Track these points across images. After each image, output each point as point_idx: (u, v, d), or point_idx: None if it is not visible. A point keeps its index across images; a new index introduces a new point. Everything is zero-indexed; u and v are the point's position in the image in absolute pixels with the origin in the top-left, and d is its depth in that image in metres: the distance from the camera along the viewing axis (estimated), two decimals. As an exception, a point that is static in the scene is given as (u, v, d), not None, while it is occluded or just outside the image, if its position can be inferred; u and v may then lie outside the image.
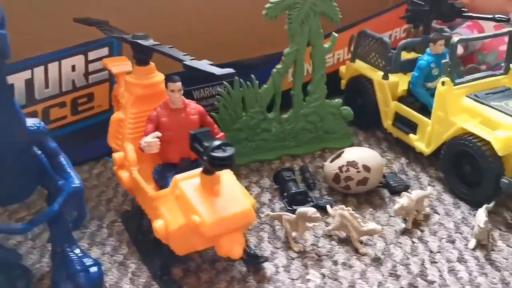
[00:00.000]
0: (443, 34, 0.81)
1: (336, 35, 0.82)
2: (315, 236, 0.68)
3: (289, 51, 0.79)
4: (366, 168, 0.72)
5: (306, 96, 0.84)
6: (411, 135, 0.83)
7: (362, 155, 0.73)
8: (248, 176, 0.81)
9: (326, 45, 0.81)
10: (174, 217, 0.56)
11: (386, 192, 0.76)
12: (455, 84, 0.75)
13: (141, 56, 0.64)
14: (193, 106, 0.64)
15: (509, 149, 0.68)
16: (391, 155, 0.86)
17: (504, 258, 0.64)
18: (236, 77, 0.81)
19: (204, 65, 0.55)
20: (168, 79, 0.62)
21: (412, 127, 0.83)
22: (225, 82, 0.79)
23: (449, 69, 0.74)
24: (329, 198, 0.74)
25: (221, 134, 0.66)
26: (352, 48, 0.94)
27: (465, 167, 0.73)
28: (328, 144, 0.87)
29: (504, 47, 0.99)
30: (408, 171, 0.82)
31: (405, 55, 0.94)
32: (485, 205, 0.68)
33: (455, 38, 0.73)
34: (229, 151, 0.52)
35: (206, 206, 0.54)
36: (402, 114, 0.85)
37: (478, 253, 0.65)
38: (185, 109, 0.63)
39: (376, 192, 0.76)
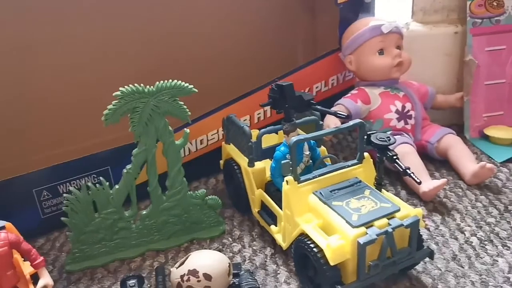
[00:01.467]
0: (296, 124, 0.80)
1: (188, 131, 0.80)
2: None
3: (137, 152, 0.77)
4: (207, 277, 0.70)
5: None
6: (272, 226, 0.81)
7: (204, 262, 0.71)
8: (101, 281, 0.78)
9: (178, 142, 0.80)
10: None
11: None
12: (300, 182, 0.75)
13: None
14: (1, 238, 0.62)
15: (342, 258, 0.66)
16: (258, 244, 0.84)
17: None
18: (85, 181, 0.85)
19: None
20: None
21: (274, 217, 0.82)
22: (71, 188, 0.78)
23: (290, 168, 0.73)
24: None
25: (41, 259, 0.65)
26: (224, 130, 0.94)
27: (310, 270, 0.72)
28: (197, 235, 0.86)
29: (390, 115, 1.00)
30: (269, 265, 0.80)
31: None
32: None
33: (292, 139, 0.72)
34: None
35: None
36: (265, 203, 0.85)
37: None
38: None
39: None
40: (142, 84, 0.74)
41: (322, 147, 0.88)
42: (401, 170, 0.71)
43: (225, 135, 0.94)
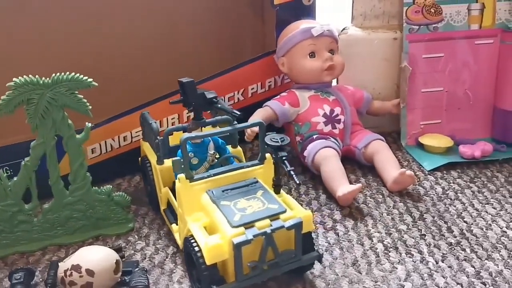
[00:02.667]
0: (200, 123, 0.79)
1: (90, 125, 0.80)
2: None
3: (35, 144, 0.77)
4: (90, 272, 0.69)
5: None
6: (173, 224, 0.80)
7: (89, 257, 0.70)
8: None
9: (79, 136, 0.79)
10: None
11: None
12: (193, 180, 0.73)
13: None
14: None
15: (219, 258, 0.65)
16: (163, 243, 0.83)
17: None
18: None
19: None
20: None
21: (176, 216, 0.81)
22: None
23: (182, 166, 0.72)
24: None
25: None
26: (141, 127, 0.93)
27: (194, 269, 0.70)
28: (103, 231, 0.85)
29: (317, 119, 0.99)
30: (167, 264, 0.78)
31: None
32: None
33: (183, 136, 0.71)
34: None
35: None
36: (170, 202, 0.84)
37: None
38: None
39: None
40: (37, 76, 0.74)
41: (239, 148, 0.87)
42: (286, 170, 0.70)
43: (142, 132, 0.94)
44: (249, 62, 1.11)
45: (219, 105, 0.76)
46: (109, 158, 0.99)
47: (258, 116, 0.99)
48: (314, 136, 1.01)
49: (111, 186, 0.85)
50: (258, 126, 0.74)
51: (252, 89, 1.13)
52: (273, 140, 0.71)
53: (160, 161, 0.84)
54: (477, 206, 0.92)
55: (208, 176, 0.74)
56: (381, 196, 0.95)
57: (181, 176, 0.72)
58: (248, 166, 0.76)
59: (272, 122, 1.03)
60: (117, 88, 1.04)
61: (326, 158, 0.95)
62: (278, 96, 1.04)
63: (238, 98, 1.11)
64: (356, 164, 1.05)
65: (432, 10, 1.08)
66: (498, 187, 0.98)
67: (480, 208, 0.91)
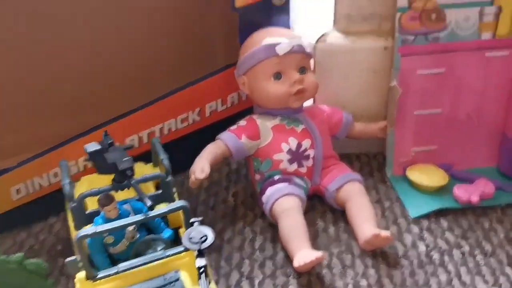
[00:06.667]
0: (109, 197, 0.63)
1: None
2: None
3: None
4: None
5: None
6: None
7: None
8: None
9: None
10: None
11: None
12: (96, 279, 0.59)
13: None
14: None
15: None
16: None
17: None
18: None
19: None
20: None
21: None
22: None
23: (79, 266, 0.58)
24: None
25: None
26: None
27: None
28: (16, 302, 0.74)
29: (280, 156, 0.82)
30: None
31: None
32: None
33: (79, 233, 0.56)
34: None
35: None
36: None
37: None
38: None
39: None
40: None
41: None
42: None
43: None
44: (207, 76, 0.92)
45: (132, 181, 0.60)
46: (37, 198, 0.85)
47: (207, 154, 0.81)
48: (276, 177, 0.84)
49: (23, 254, 0.72)
50: (182, 210, 0.60)
51: (211, 107, 0.96)
52: (191, 240, 0.55)
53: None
54: (465, 278, 0.75)
55: (116, 273, 0.60)
56: (350, 257, 0.80)
57: (80, 276, 0.59)
58: (168, 256, 0.61)
59: (226, 158, 0.86)
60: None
61: (285, 211, 0.78)
62: (235, 126, 0.86)
63: (193, 119, 0.94)
64: (329, 205, 0.88)
65: (433, 16, 0.86)
66: (495, 247, 0.80)
67: (468, 282, 0.74)
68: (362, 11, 0.92)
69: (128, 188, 0.66)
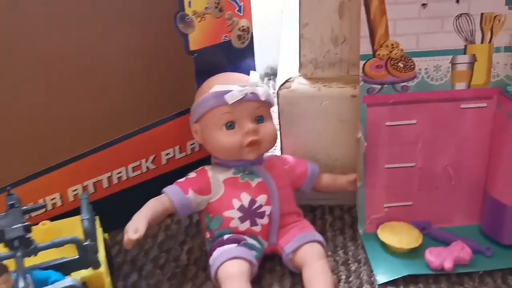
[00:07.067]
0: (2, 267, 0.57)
1: None
2: None
3: None
4: None
5: None
6: None
7: None
8: None
9: None
10: None
11: None
12: None
13: None
14: None
15: None
16: None
17: None
18: None
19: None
20: None
21: None
22: None
23: None
24: None
25: None
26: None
27: None
28: None
29: (230, 213, 0.75)
30: None
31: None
32: None
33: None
34: None
35: None
36: None
37: None
38: None
39: None
40: None
41: (101, 269, 0.64)
42: None
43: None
44: (162, 122, 0.86)
45: (17, 254, 0.53)
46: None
47: (147, 210, 0.74)
48: (225, 237, 0.76)
49: None
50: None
51: (168, 154, 0.90)
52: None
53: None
54: None
55: None
56: (303, 330, 0.73)
57: None
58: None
59: (171, 214, 0.80)
60: None
61: (230, 278, 0.70)
62: (183, 179, 0.79)
63: (147, 167, 0.88)
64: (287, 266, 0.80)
65: (401, 65, 0.80)
66: (468, 326, 0.72)
67: None
68: (329, 56, 0.86)
69: (3, 270, 0.58)
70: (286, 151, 0.90)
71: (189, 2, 0.78)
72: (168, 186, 0.78)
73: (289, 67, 0.89)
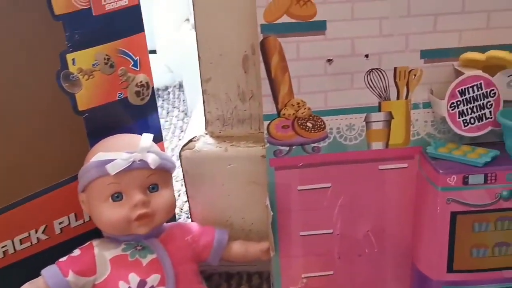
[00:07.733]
0: None
1: None
2: None
3: None
4: None
5: None
6: None
7: None
8: None
9: None
10: None
11: None
12: None
13: None
14: None
15: None
16: None
17: None
18: None
19: None
20: None
21: None
22: None
23: None
24: None
25: None
26: None
27: None
28: None
29: None
30: None
31: None
32: None
33: None
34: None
35: None
36: None
37: None
38: None
39: None
40: None
41: None
42: None
43: None
44: (52, 188, 0.77)
45: None
46: None
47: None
48: (112, 325, 0.69)
49: None
50: None
51: (61, 223, 0.81)
52: None
53: None
54: None
55: None
56: None
57: None
58: None
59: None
60: None
61: None
62: (65, 257, 0.69)
63: (37, 238, 0.78)
64: None
65: (309, 125, 0.71)
66: None
67: None
68: (237, 112, 0.78)
69: None
70: (196, 215, 0.81)
71: (73, 60, 0.71)
72: (48, 267, 0.69)
73: (197, 124, 0.82)
